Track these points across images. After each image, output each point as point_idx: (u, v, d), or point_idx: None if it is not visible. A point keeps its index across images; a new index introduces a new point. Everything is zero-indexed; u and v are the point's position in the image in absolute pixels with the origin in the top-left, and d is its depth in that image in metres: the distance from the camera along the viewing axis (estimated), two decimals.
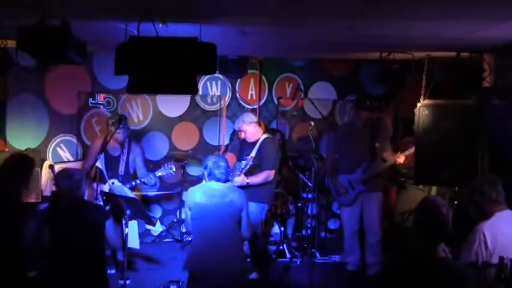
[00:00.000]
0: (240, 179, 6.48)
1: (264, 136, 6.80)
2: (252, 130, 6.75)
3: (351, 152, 7.03)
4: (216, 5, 4.36)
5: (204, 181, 5.21)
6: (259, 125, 7.16)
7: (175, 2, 4.23)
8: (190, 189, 5.08)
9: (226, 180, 5.17)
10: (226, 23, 5.17)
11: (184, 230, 8.04)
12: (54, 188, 6.83)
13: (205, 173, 5.12)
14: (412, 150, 6.66)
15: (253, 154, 6.62)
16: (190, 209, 4.91)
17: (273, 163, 6.68)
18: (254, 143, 6.72)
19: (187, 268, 4.96)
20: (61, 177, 4.84)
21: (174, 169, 6.91)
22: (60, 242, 4.70)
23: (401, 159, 6.78)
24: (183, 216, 5.02)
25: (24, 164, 5.09)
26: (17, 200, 4.90)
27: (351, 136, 7.08)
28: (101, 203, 6.39)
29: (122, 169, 6.79)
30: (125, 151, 6.85)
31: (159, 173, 6.84)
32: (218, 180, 5.03)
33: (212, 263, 4.74)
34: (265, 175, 6.62)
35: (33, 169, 5.31)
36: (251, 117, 6.85)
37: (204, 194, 4.92)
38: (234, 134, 7.04)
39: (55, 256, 4.70)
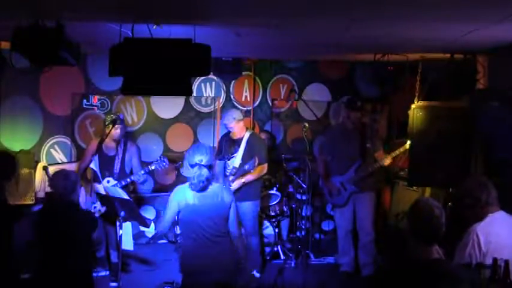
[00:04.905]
0: (237, 183, 6.58)
1: (249, 132, 6.92)
2: (240, 126, 6.85)
3: (342, 153, 7.05)
4: (210, 7, 4.35)
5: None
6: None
7: (169, 4, 4.22)
8: (180, 187, 4.83)
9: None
10: (220, 25, 5.16)
11: (177, 230, 7.99)
12: (48, 189, 6.84)
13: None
14: (398, 152, 6.73)
15: (241, 151, 6.70)
16: (180, 209, 4.74)
17: (265, 157, 6.79)
18: (239, 141, 6.80)
19: (181, 268, 4.91)
20: (57, 178, 4.88)
21: (168, 162, 6.90)
22: (49, 243, 4.71)
23: (387, 161, 6.83)
24: (168, 212, 4.84)
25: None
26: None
27: (342, 137, 7.10)
28: (97, 203, 6.39)
29: (117, 168, 6.78)
30: (120, 150, 6.84)
31: (152, 167, 6.81)
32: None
33: (204, 260, 4.69)
34: (260, 170, 6.73)
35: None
36: (239, 115, 6.95)
37: (195, 194, 4.73)
38: (226, 135, 7.06)
39: (44, 257, 4.71)
